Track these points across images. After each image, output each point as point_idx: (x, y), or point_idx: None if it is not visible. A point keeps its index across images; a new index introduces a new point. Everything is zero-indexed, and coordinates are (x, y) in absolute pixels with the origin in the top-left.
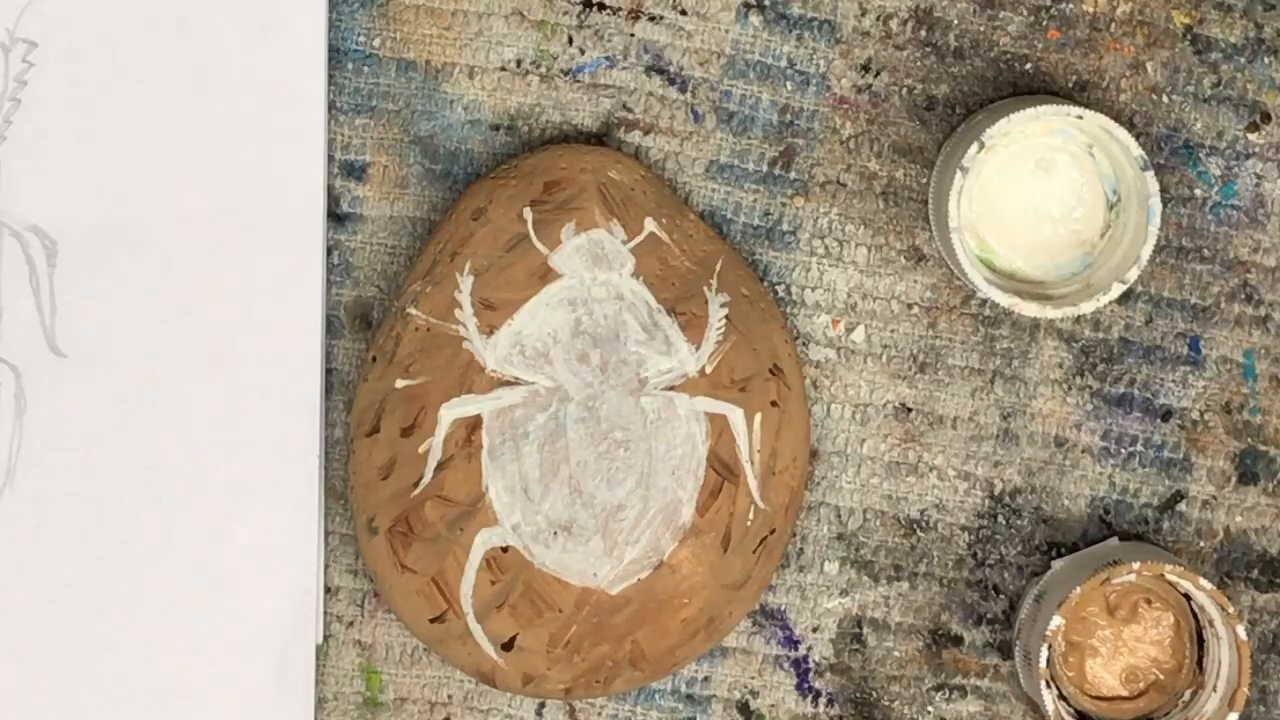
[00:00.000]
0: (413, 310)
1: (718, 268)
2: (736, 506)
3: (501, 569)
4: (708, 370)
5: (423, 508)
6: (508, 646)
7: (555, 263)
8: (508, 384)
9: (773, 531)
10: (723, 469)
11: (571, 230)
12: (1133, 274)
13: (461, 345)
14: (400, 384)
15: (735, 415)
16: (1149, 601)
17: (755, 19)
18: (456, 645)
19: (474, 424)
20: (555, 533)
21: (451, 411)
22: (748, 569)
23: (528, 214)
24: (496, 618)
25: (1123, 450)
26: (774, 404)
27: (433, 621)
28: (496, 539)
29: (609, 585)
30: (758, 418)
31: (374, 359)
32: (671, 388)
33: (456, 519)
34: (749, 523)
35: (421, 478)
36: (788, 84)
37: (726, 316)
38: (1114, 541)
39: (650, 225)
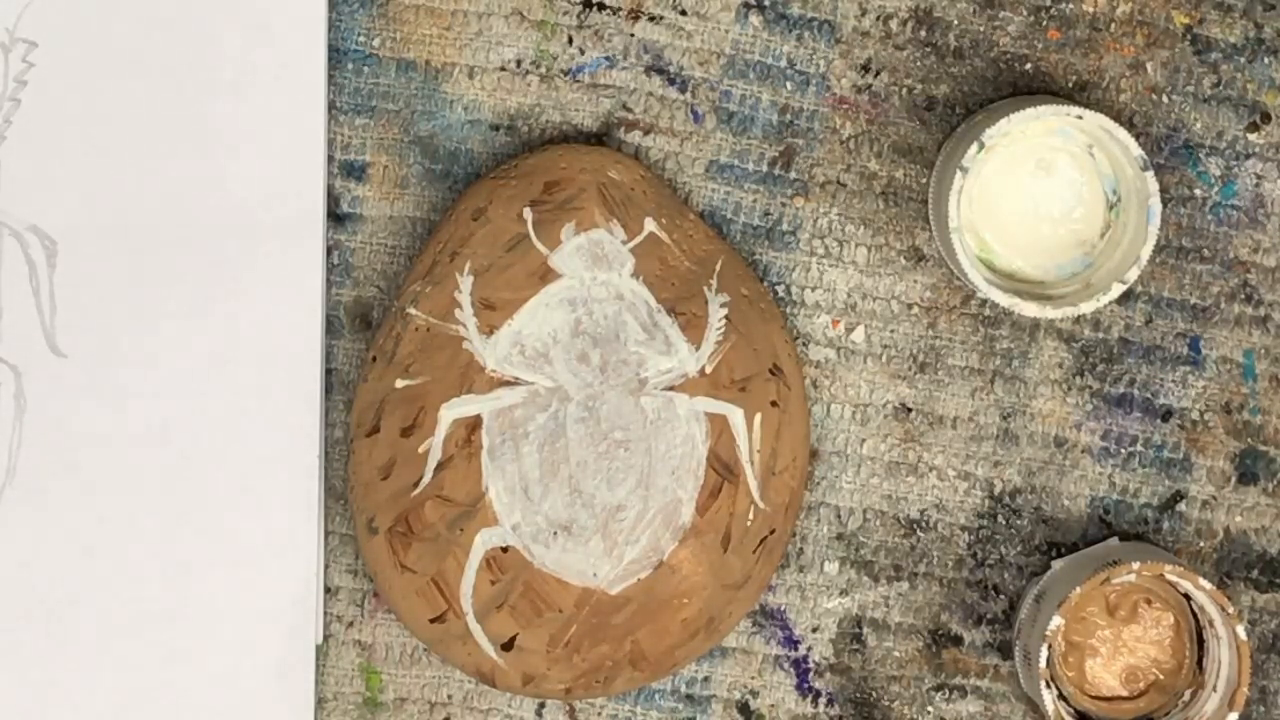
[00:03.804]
0: (413, 310)
1: (718, 268)
2: (736, 506)
3: (501, 569)
4: (708, 370)
5: (423, 508)
6: (508, 646)
7: (555, 263)
8: (508, 384)
9: (773, 531)
10: (723, 469)
11: (571, 230)
12: (1133, 274)
13: (461, 345)
14: (400, 384)
15: (735, 415)
16: (1149, 601)
17: (755, 19)
18: (456, 645)
19: (474, 424)
20: (555, 533)
21: (451, 411)
22: (748, 569)
23: (528, 214)
24: (496, 618)
25: (1123, 450)
26: (774, 404)
27: (433, 621)
28: (496, 539)
29: (609, 585)
30: (758, 418)
31: (374, 359)
32: (671, 388)
33: (456, 519)
34: (749, 523)
35: (421, 478)
36: (788, 84)
37: (726, 316)
38: (1114, 541)
39: (650, 225)
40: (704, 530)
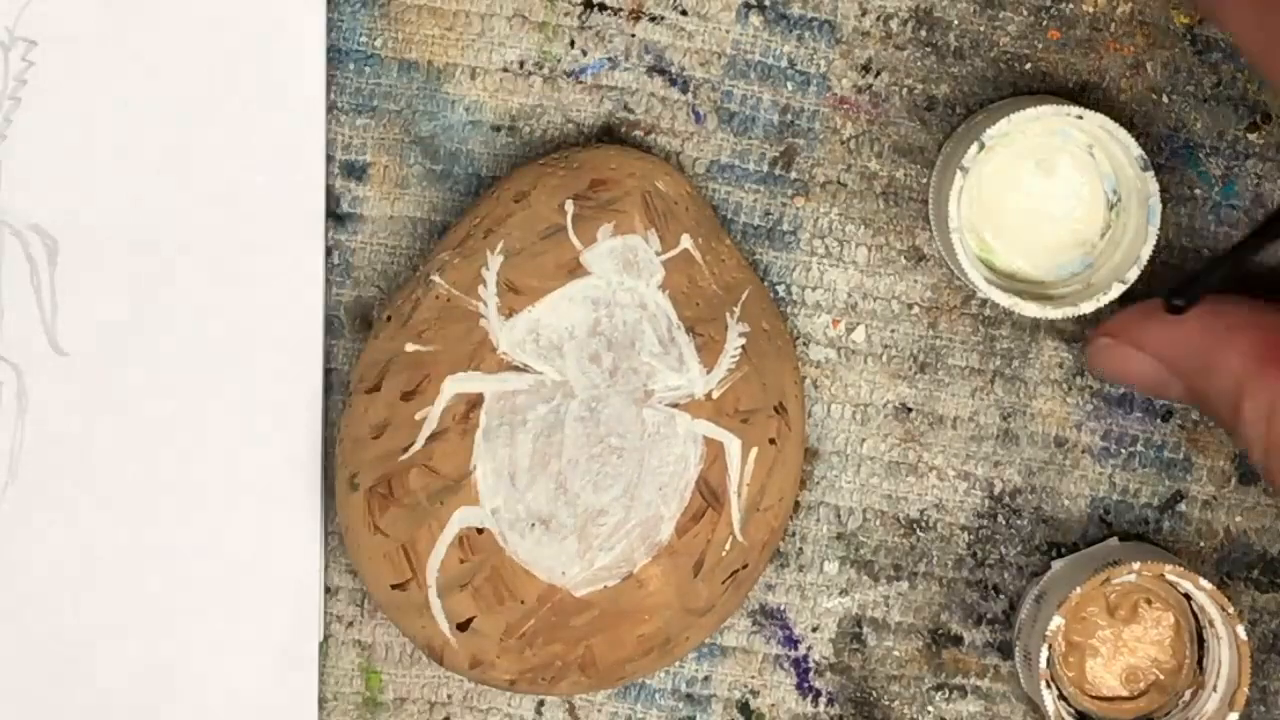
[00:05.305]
0: (436, 278)
1: (743, 297)
2: (715, 534)
3: (473, 549)
4: (714, 395)
5: (407, 474)
6: (463, 627)
7: (587, 260)
8: (516, 369)
9: (745, 566)
10: (709, 495)
11: (609, 231)
12: (1133, 274)
13: (478, 322)
14: (410, 348)
15: (732, 445)
16: (1149, 601)
17: (755, 19)
18: (413, 615)
19: (475, 401)
20: (533, 524)
21: (456, 384)
22: (713, 598)
23: (569, 206)
24: (458, 596)
25: (1123, 450)
26: (772, 441)
27: (394, 588)
28: (474, 519)
29: (575, 587)
30: (753, 452)
31: (388, 318)
32: (676, 405)
33: (439, 491)
34: (724, 553)
35: (412, 444)
36: (788, 84)
37: (743, 347)
38: (1114, 541)
39: (686, 242)
40: (679, 551)
